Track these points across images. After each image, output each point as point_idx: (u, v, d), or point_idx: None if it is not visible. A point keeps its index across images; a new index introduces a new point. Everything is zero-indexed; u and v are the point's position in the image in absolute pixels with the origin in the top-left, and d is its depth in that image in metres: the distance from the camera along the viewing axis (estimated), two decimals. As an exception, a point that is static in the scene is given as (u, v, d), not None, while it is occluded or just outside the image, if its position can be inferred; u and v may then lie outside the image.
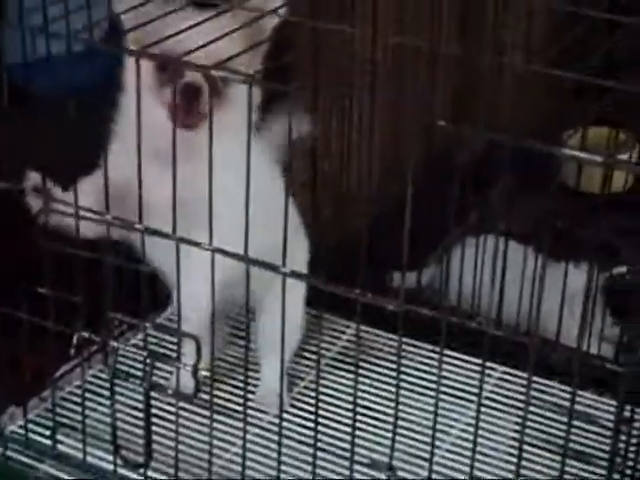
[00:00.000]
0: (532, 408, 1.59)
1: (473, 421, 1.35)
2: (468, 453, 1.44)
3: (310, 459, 1.43)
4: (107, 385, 1.50)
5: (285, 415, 1.63)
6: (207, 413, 1.47)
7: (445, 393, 1.71)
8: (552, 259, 1.97)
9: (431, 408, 1.37)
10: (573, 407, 1.29)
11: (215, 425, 1.49)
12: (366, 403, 1.73)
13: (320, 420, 1.42)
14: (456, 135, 1.13)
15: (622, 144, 2.91)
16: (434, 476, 1.43)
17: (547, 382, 1.79)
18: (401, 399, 1.34)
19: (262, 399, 1.74)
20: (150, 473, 1.52)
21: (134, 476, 1.54)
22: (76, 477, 1.59)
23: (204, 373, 1.37)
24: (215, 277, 1.34)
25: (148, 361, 1.39)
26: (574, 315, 1.76)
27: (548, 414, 1.71)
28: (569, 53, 1.40)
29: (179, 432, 1.50)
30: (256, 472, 1.58)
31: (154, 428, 1.50)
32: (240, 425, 1.44)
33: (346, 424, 1.60)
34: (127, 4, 1.44)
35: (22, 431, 1.65)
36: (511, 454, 1.61)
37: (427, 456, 1.37)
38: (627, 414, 1.48)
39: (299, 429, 1.66)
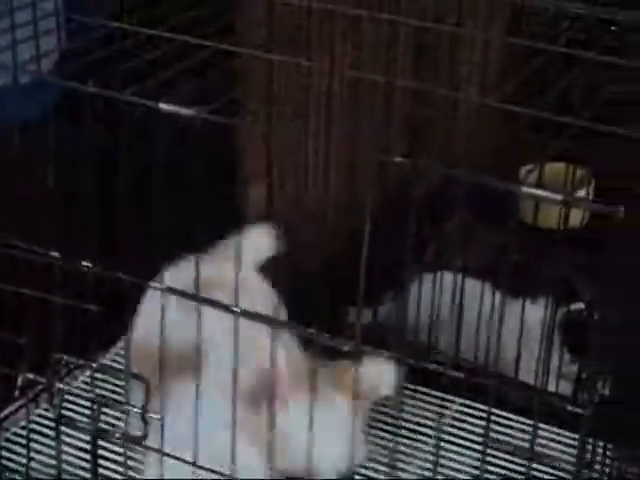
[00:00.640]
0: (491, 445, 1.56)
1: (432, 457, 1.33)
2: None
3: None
4: (53, 425, 1.45)
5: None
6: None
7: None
8: (509, 295, 1.95)
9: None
10: (533, 449, 1.26)
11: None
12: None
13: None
14: (412, 169, 1.10)
15: (579, 180, 2.92)
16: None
17: (507, 415, 1.75)
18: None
19: None
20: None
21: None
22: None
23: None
24: None
25: (95, 407, 1.35)
26: (531, 349, 1.75)
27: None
28: (526, 87, 1.39)
29: (128, 475, 1.46)
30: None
31: (101, 471, 1.45)
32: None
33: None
34: None
35: (-36, 475, 1.60)
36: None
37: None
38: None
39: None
